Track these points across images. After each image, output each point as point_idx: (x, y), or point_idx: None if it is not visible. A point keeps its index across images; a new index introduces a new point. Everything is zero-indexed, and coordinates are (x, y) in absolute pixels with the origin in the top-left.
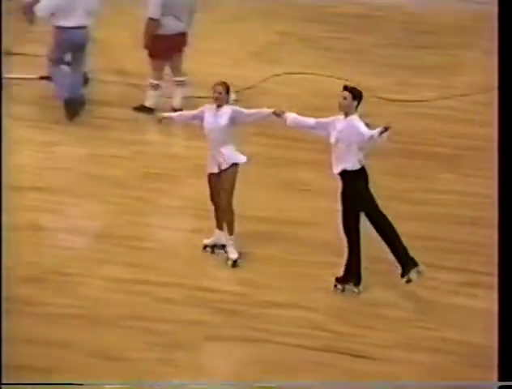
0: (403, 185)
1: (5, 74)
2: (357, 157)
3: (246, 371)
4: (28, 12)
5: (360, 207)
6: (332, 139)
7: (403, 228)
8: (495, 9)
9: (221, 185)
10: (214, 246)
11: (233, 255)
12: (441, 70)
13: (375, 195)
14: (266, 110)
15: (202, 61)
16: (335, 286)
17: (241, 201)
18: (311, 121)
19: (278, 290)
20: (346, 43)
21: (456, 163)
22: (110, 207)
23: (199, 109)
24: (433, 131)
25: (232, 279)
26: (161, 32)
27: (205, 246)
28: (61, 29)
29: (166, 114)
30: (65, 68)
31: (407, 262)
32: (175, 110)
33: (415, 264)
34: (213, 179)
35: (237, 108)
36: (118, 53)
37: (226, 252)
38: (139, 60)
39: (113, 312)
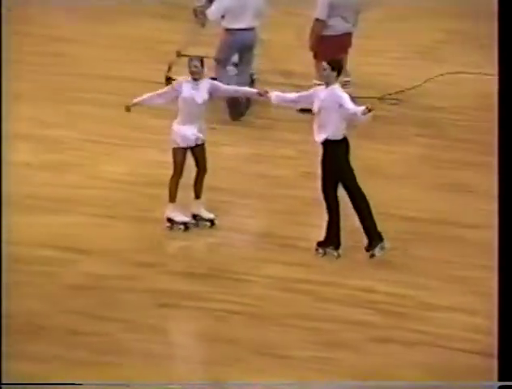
0: None
1: (175, 76)
2: (339, 127)
3: (408, 374)
4: (200, 15)
5: (338, 177)
6: (315, 108)
7: None
8: None
9: (199, 159)
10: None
11: (210, 215)
12: None
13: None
14: (249, 90)
15: (364, 61)
16: (317, 250)
17: (404, 202)
18: (294, 95)
19: (437, 292)
20: None
21: None
22: (274, 206)
23: (172, 85)
24: None
25: (392, 281)
26: (327, 32)
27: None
28: (230, 31)
29: (135, 100)
30: (232, 69)
31: (374, 237)
32: None
33: (380, 239)
34: (182, 152)
35: (214, 82)
36: (283, 54)
37: (201, 217)
38: (304, 61)
39: (277, 310)
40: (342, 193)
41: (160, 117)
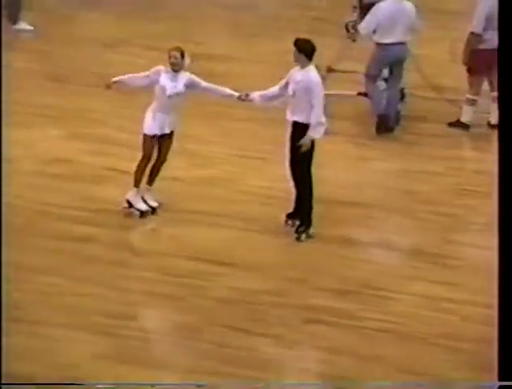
0: None
1: (324, 91)
2: (307, 113)
3: None
4: (352, 30)
5: (301, 157)
6: (290, 91)
7: None
8: None
9: (161, 149)
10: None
11: (155, 204)
12: None
13: None
14: (229, 91)
15: None
16: (286, 222)
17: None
18: (275, 88)
19: None
20: None
21: None
22: (420, 222)
23: (152, 71)
24: None
25: None
26: (482, 46)
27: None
28: (381, 46)
29: (115, 79)
30: (382, 84)
31: (306, 222)
32: (492, 126)
33: (308, 226)
34: (153, 140)
35: (194, 77)
36: (435, 69)
37: (146, 201)
38: (456, 75)
39: (422, 329)
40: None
41: None
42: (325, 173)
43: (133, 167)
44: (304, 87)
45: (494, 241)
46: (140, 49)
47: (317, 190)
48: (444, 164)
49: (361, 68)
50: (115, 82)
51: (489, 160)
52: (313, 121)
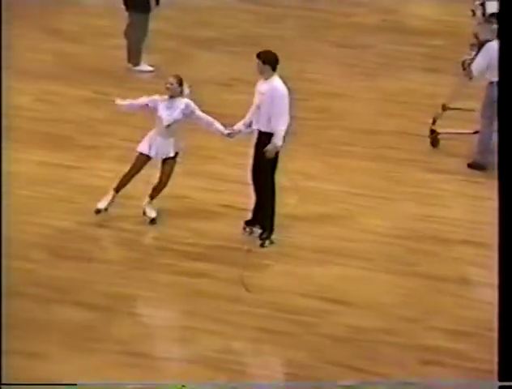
0: None
1: (440, 130)
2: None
3: None
4: (468, 68)
5: (265, 164)
6: (257, 101)
7: None
8: None
9: (164, 168)
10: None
11: (153, 215)
12: None
13: None
14: (219, 127)
15: None
16: (244, 229)
17: None
18: (252, 108)
19: None
20: None
21: None
22: None
23: (150, 99)
24: None
25: None
26: None
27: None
28: (494, 84)
29: (118, 101)
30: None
31: (268, 228)
32: None
33: (271, 232)
34: (142, 159)
35: (191, 104)
36: None
37: (145, 212)
38: None
39: None
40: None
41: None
42: (441, 212)
43: (248, 203)
44: (269, 97)
45: None
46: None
47: (432, 228)
48: None
49: (477, 106)
50: (117, 105)
51: None
52: (278, 128)
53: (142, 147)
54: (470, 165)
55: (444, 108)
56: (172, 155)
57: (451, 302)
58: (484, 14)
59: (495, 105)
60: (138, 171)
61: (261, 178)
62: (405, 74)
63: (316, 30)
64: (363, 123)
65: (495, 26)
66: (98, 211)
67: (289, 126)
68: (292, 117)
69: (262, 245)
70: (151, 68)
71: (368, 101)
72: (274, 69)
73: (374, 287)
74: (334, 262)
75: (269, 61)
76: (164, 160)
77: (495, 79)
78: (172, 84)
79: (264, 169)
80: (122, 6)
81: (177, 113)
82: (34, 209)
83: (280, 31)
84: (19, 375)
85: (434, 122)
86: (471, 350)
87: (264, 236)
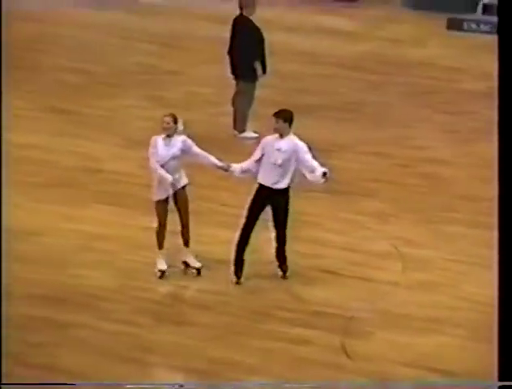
0: None
1: None
2: (293, 176)
3: None
4: None
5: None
6: (279, 161)
7: None
8: None
9: (179, 206)
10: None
11: (198, 264)
12: None
13: None
14: (214, 160)
15: None
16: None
17: None
18: (251, 161)
19: None
20: None
21: None
22: None
23: (151, 145)
24: None
25: None
26: None
27: (163, 272)
28: None
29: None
30: None
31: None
32: None
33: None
34: (162, 205)
35: (188, 141)
36: None
37: (188, 265)
38: None
39: None
40: None
41: None
42: None
43: (350, 269)
44: (293, 153)
45: None
46: (359, 155)
47: None
48: None
49: None
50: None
51: None
52: (319, 171)
53: (155, 195)
54: None
55: None
56: (180, 186)
57: None
58: None
59: None
60: (164, 219)
61: (283, 231)
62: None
63: (417, 96)
64: (463, 189)
65: None
66: (162, 273)
67: (389, 191)
68: (391, 183)
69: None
70: (256, 134)
71: (468, 167)
72: (291, 126)
73: (475, 357)
74: (436, 330)
75: (289, 119)
76: (174, 197)
77: None
78: (168, 123)
79: (286, 223)
80: (230, 75)
81: (174, 150)
82: (138, 273)
83: (382, 97)
84: None
85: None
86: None
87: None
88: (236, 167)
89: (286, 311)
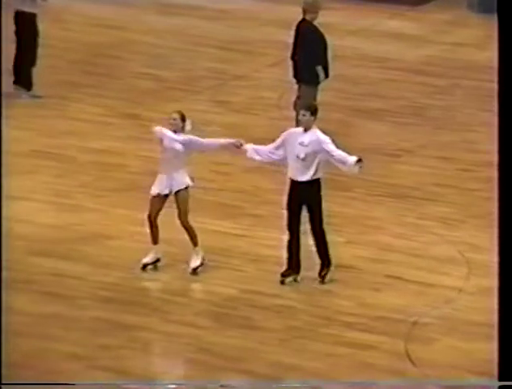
0: None
1: None
2: (318, 169)
3: None
4: None
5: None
6: (302, 155)
7: None
8: None
9: (177, 205)
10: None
11: (194, 264)
12: None
13: None
14: (223, 141)
15: None
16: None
17: None
18: (269, 147)
19: None
20: None
21: None
22: None
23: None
24: None
25: None
26: None
27: (145, 265)
28: None
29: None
30: None
31: (325, 264)
32: None
33: (328, 265)
34: (156, 200)
35: (192, 137)
36: None
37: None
38: None
39: None
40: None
41: None
42: None
43: (414, 274)
44: (317, 146)
45: None
46: (424, 159)
47: None
48: None
49: None
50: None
51: None
52: (351, 159)
53: (152, 189)
54: None
55: None
56: (183, 186)
57: None
58: None
59: None
60: (152, 214)
61: (319, 228)
62: None
63: (482, 100)
64: None
65: None
66: (144, 266)
67: (452, 196)
68: (455, 187)
69: (323, 282)
70: None
71: None
72: (315, 120)
73: None
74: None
75: (316, 113)
76: (176, 195)
77: None
78: (174, 119)
79: (320, 219)
80: (292, 79)
81: (177, 146)
82: (202, 277)
83: (447, 101)
84: None
85: None
86: None
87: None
88: (249, 147)
89: (350, 316)
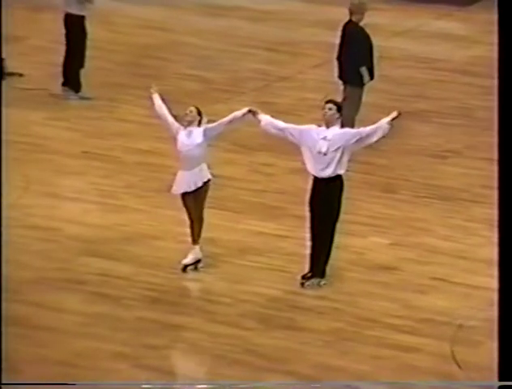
0: None
1: None
2: (340, 164)
3: None
4: None
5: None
6: (323, 149)
7: None
8: None
9: (196, 200)
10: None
11: (186, 260)
12: None
13: None
14: (240, 112)
15: None
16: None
17: None
18: (282, 124)
19: None
20: None
21: None
22: None
23: (175, 125)
24: None
25: None
26: None
27: (186, 266)
28: None
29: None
30: None
31: (318, 273)
32: None
33: (322, 276)
34: (186, 197)
35: (209, 124)
36: None
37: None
38: None
39: None
40: None
41: None
42: None
43: (460, 276)
44: (338, 141)
45: None
46: (472, 161)
47: None
48: None
49: None
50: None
51: None
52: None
53: (173, 190)
54: None
55: None
56: (200, 184)
57: None
58: None
59: None
60: (189, 212)
61: (326, 227)
62: None
63: None
64: None
65: None
66: (185, 267)
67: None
68: None
69: (302, 285)
70: None
71: None
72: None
73: None
74: None
75: (341, 110)
76: (195, 192)
77: None
78: (191, 112)
79: (332, 218)
80: (338, 80)
81: (197, 138)
82: (246, 277)
83: (493, 102)
84: None
85: None
86: None
87: (306, 277)
88: (265, 117)
89: (395, 318)
